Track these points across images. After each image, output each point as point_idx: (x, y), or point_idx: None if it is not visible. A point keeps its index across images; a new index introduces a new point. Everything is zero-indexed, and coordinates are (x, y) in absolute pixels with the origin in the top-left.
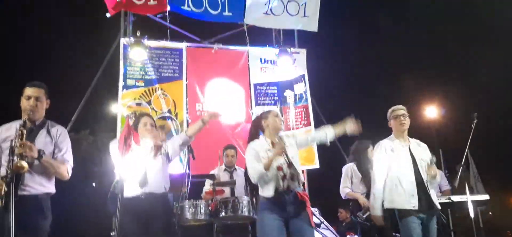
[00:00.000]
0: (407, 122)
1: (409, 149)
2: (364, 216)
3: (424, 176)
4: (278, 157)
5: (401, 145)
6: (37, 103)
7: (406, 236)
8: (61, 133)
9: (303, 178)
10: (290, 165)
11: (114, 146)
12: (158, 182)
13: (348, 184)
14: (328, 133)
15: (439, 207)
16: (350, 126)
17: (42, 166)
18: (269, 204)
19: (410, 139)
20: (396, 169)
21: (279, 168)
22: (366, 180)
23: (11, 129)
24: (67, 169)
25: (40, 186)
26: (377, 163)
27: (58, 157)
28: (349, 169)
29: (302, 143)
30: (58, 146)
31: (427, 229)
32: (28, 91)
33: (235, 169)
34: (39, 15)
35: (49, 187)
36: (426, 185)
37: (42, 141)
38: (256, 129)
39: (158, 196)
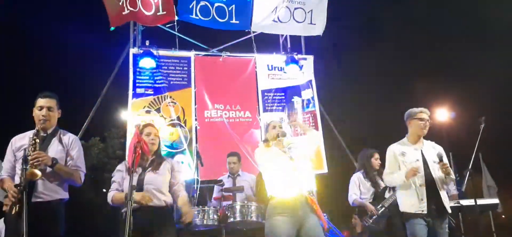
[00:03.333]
0: (428, 126)
1: (422, 151)
2: (371, 221)
3: (436, 179)
4: (283, 159)
5: (414, 148)
6: (49, 113)
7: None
8: (72, 141)
9: (313, 183)
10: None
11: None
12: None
13: (356, 191)
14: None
15: (449, 210)
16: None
17: (55, 173)
18: (279, 208)
19: (424, 141)
20: (405, 171)
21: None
22: (372, 186)
23: (25, 138)
24: (80, 175)
25: (53, 193)
26: (387, 167)
27: (71, 164)
28: (357, 177)
29: (303, 147)
30: (70, 153)
31: (435, 233)
32: (41, 101)
33: (239, 175)
34: (51, 27)
35: (62, 194)
36: (438, 188)
37: (54, 149)
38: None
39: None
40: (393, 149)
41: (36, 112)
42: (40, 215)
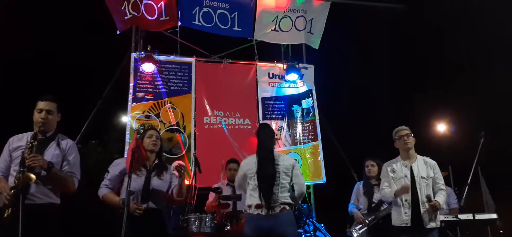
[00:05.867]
0: (411, 141)
1: (411, 167)
2: (360, 232)
3: (421, 195)
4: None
5: (404, 164)
6: (49, 116)
7: None
8: (70, 146)
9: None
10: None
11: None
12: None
13: (354, 201)
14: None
15: (435, 225)
16: None
17: (50, 177)
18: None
19: (418, 156)
20: (395, 188)
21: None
22: (366, 195)
23: (23, 139)
24: (73, 182)
25: (45, 196)
26: (382, 182)
27: (66, 169)
28: (357, 186)
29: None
30: (67, 158)
31: None
32: (41, 104)
33: None
34: (51, 29)
35: (54, 198)
36: (421, 205)
37: (51, 152)
38: None
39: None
40: (386, 165)
41: (36, 115)
42: (31, 218)
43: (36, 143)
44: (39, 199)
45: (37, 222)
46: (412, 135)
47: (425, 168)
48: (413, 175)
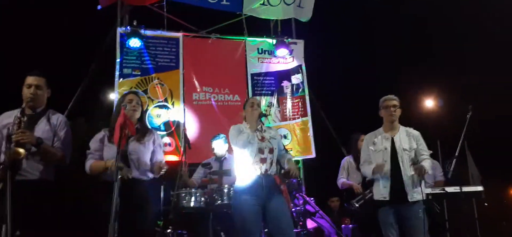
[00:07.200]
0: (397, 113)
1: (392, 139)
2: (357, 205)
3: (403, 168)
4: (260, 141)
5: (385, 136)
6: (37, 91)
7: (381, 224)
8: (61, 122)
9: (287, 167)
10: (271, 150)
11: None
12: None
13: (344, 175)
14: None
15: (419, 198)
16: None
17: (40, 153)
18: (246, 188)
19: (400, 127)
20: (375, 161)
21: (261, 150)
22: (359, 171)
23: (12, 116)
24: (64, 156)
25: (37, 171)
26: (361, 157)
27: (57, 144)
28: (346, 161)
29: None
30: (58, 133)
31: (404, 218)
32: (29, 80)
33: (226, 158)
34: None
35: (47, 173)
36: (403, 176)
37: (41, 128)
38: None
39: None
40: (366, 138)
41: (24, 90)
42: (23, 194)
43: (25, 118)
44: (31, 174)
45: (29, 197)
46: (399, 106)
47: (407, 139)
48: (394, 147)
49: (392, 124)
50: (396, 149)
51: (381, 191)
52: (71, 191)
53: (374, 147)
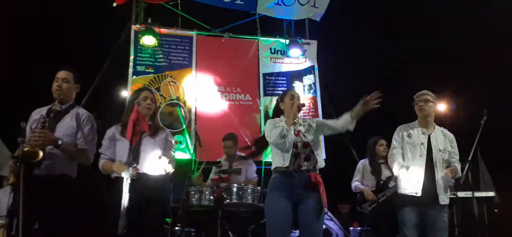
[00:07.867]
0: (428, 107)
1: (429, 136)
2: (369, 208)
3: (437, 168)
4: (295, 135)
5: (421, 131)
6: (63, 84)
7: (402, 224)
8: (86, 118)
9: (322, 163)
10: (306, 145)
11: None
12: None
13: (358, 177)
14: (346, 118)
15: (445, 202)
16: (364, 105)
17: (61, 152)
18: (280, 182)
19: (436, 126)
20: (409, 154)
21: (295, 145)
22: (375, 174)
23: (42, 111)
24: (88, 155)
25: (57, 166)
26: (392, 147)
27: (80, 141)
28: (361, 163)
29: (320, 128)
30: (83, 130)
31: (430, 221)
32: (57, 74)
33: (236, 157)
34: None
35: (68, 169)
36: (436, 177)
37: (66, 124)
38: (277, 113)
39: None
40: (400, 128)
41: (53, 85)
42: (41, 188)
43: (50, 116)
44: (52, 170)
45: (49, 192)
46: (433, 102)
47: (443, 140)
48: (430, 145)
49: (426, 120)
50: (432, 148)
51: (414, 185)
52: (86, 186)
53: (410, 139)
